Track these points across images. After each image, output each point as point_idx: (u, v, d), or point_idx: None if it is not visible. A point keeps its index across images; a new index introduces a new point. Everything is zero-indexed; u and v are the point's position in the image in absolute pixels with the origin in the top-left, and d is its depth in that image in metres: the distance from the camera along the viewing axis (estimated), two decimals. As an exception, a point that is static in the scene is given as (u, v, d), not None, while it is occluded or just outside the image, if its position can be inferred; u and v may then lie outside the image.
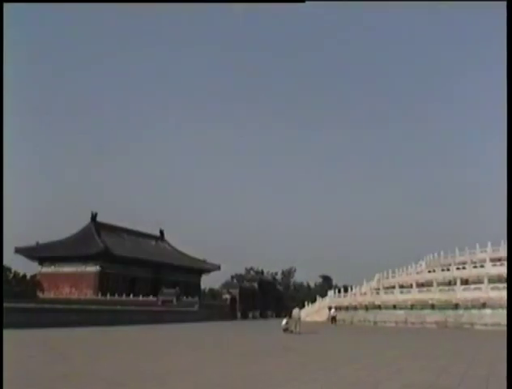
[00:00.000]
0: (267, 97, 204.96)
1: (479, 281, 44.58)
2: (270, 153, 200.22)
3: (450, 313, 43.07)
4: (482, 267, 49.83)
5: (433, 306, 44.55)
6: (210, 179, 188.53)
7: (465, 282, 46.41)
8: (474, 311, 41.51)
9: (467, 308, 42.14)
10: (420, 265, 65.40)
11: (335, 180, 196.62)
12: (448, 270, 53.00)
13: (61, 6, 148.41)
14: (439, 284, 47.64)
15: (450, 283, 47.91)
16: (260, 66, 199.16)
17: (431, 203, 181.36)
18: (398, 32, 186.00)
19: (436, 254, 65.98)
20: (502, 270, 46.95)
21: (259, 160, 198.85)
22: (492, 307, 40.35)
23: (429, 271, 57.24)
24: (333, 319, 50.91)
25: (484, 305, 40.85)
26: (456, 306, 42.86)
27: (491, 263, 49.35)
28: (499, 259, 51.57)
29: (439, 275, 52.15)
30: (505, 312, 39.08)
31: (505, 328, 37.52)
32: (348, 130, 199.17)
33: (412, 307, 46.24)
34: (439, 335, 32.21)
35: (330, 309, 61.93)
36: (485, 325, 39.73)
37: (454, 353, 18.64)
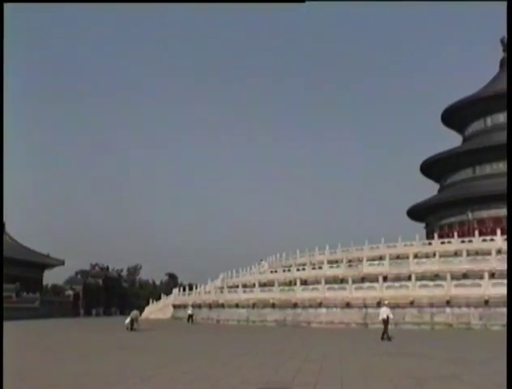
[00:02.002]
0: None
1: (316, 282, 46.86)
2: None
3: (290, 312, 44.80)
4: (320, 268, 52.51)
5: (273, 305, 46.02)
6: (57, 170, 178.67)
7: (304, 282, 48.49)
8: (311, 310, 43.57)
9: (304, 307, 44.08)
10: (263, 266, 67.44)
11: (190, 181, 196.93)
12: (289, 271, 55.04)
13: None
14: (280, 284, 49.33)
15: (291, 283, 49.75)
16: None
17: (279, 206, 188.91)
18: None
19: (278, 255, 68.27)
20: (338, 271, 50.08)
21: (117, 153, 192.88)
22: (327, 306, 42.71)
23: (272, 272, 59.00)
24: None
25: (320, 305, 43.02)
26: (295, 305, 44.66)
27: (328, 265, 52.19)
28: (336, 261, 54.86)
29: (280, 276, 54.00)
30: (338, 311, 41.86)
31: (337, 326, 40.15)
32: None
33: (254, 306, 47.36)
34: (278, 333, 33.45)
35: (174, 307, 61.83)
36: (320, 323, 41.95)
37: (291, 350, 19.43)
